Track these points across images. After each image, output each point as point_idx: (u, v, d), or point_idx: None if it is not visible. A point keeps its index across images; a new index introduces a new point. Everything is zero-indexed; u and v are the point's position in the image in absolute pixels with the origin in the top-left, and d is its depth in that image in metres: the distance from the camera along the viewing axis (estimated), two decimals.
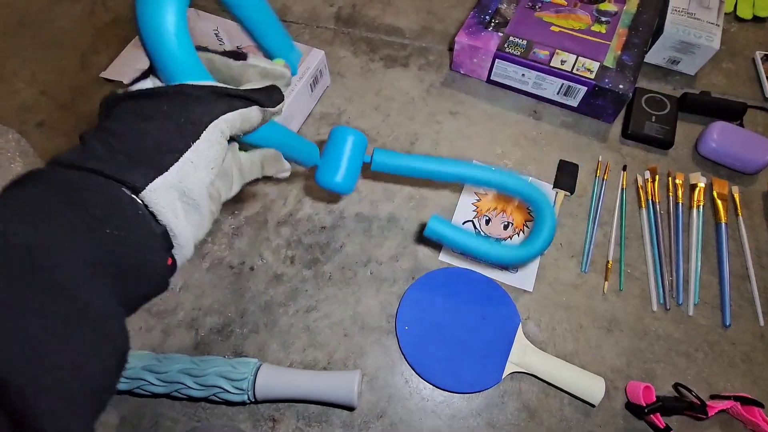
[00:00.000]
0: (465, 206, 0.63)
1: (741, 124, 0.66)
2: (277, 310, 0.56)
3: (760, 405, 0.45)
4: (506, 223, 0.61)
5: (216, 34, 0.70)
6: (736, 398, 0.46)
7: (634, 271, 0.57)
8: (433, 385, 0.51)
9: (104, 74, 0.67)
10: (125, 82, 0.65)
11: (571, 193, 0.62)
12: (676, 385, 0.49)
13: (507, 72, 0.69)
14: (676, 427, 0.48)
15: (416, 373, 0.52)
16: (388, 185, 0.64)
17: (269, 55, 0.41)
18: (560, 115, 0.70)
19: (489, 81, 0.73)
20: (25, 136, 0.61)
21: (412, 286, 0.56)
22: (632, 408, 0.48)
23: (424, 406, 0.50)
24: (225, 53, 0.34)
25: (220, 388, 0.47)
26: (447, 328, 0.53)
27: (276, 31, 0.40)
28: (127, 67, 0.68)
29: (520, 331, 0.53)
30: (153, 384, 0.48)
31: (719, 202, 0.60)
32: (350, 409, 0.50)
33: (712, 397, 0.49)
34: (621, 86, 0.63)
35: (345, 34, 0.80)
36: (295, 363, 0.53)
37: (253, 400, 0.48)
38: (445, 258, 0.59)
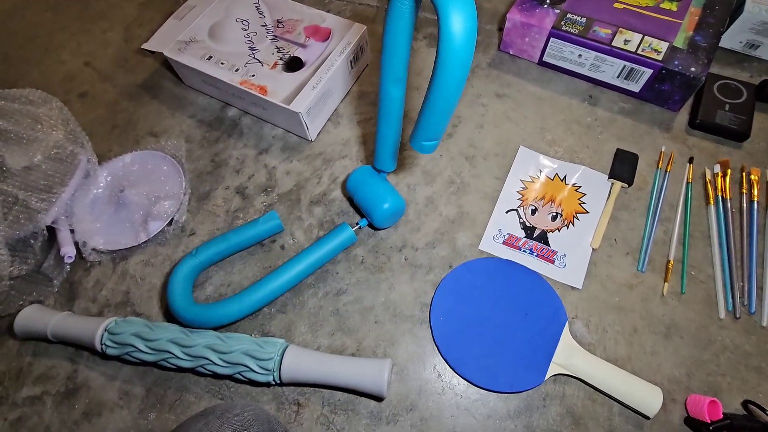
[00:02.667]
0: (509, 194, 0.58)
1: None
2: (306, 292, 0.54)
3: None
4: (554, 214, 0.57)
5: (257, 7, 0.69)
6: None
7: (699, 274, 0.51)
8: (468, 381, 0.48)
9: (146, 45, 0.67)
10: (165, 53, 0.65)
11: (630, 184, 0.57)
12: (745, 402, 0.44)
13: (562, 52, 0.64)
14: None
15: (450, 367, 0.48)
16: (427, 168, 0.61)
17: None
18: (619, 101, 0.64)
19: (541, 62, 0.68)
20: (67, 106, 0.62)
21: (450, 275, 0.53)
22: (693, 424, 0.43)
23: (458, 403, 0.47)
24: None
25: (246, 366, 0.46)
26: (485, 321, 0.50)
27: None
28: (167, 38, 0.67)
29: (566, 330, 0.48)
30: (179, 357, 0.47)
31: None
32: (379, 399, 0.47)
33: None
34: (692, 69, 0.57)
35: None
36: (323, 347, 0.51)
37: (278, 382, 0.46)
38: (486, 247, 0.55)
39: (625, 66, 0.60)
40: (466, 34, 0.32)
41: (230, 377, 0.47)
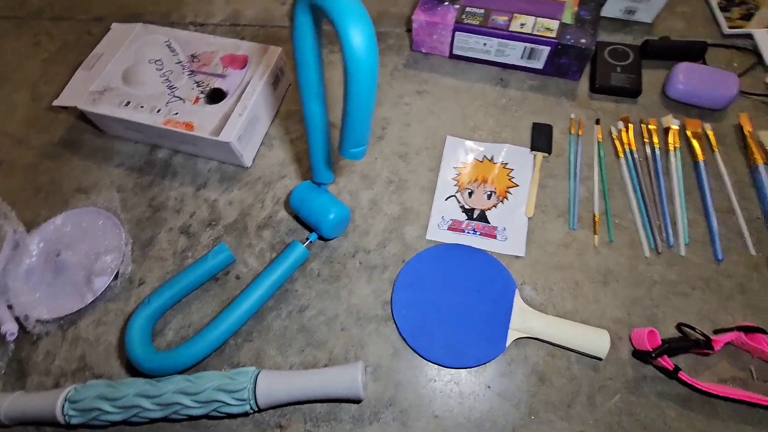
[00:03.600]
0: (445, 182, 0.61)
1: (704, 62, 0.67)
2: (268, 315, 0.54)
3: (763, 331, 0.45)
4: (489, 192, 0.60)
5: (168, 46, 0.68)
6: (739, 328, 0.46)
7: (622, 221, 0.57)
8: (439, 365, 0.50)
9: (57, 102, 0.65)
10: (79, 106, 0.63)
11: (549, 153, 0.62)
12: (679, 326, 0.49)
13: (468, 43, 0.68)
14: (685, 367, 0.48)
15: (420, 356, 0.51)
16: (365, 172, 0.63)
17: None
18: (527, 80, 0.70)
19: (452, 56, 0.72)
20: None
21: (403, 269, 0.55)
22: (639, 355, 0.48)
23: (433, 387, 0.49)
24: None
25: (220, 401, 0.46)
26: (444, 305, 0.52)
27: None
28: (78, 91, 0.65)
29: (517, 296, 0.52)
30: (149, 409, 0.46)
31: (694, 142, 0.60)
32: (357, 401, 0.49)
33: (716, 331, 0.49)
34: (583, 41, 0.63)
35: None
36: (295, 365, 0.51)
37: (257, 409, 0.46)
38: (433, 236, 0.58)
39: (525, 47, 0.66)
40: (366, 46, 0.34)
41: (207, 416, 0.47)
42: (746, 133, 0.60)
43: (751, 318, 0.50)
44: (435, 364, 0.50)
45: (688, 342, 0.46)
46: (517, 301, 0.51)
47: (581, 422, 0.46)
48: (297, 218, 0.60)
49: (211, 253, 0.55)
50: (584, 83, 0.69)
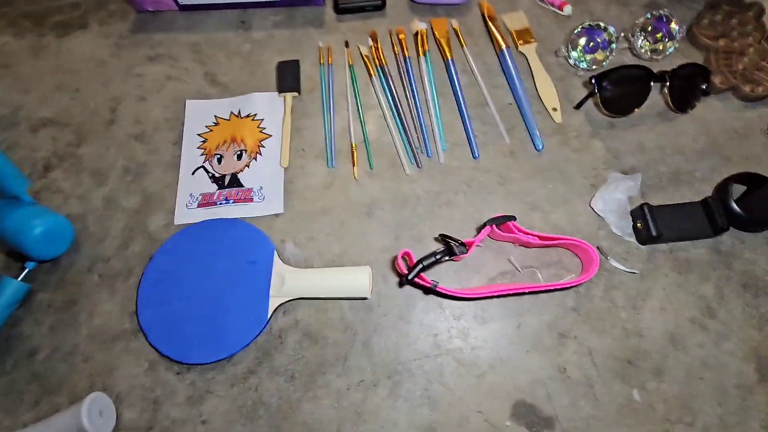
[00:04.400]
0: (191, 153, 0.52)
1: None
2: None
3: (512, 218, 0.44)
4: (239, 152, 0.53)
5: None
6: (490, 221, 0.44)
7: (381, 145, 0.52)
8: (202, 365, 0.43)
9: None
10: None
11: (299, 92, 0.55)
12: (440, 237, 0.46)
13: None
14: (458, 278, 0.45)
15: (179, 362, 0.43)
16: (95, 167, 0.52)
17: None
18: (270, 16, 0.61)
19: (182, 7, 0.62)
20: None
21: (146, 269, 0.46)
22: (403, 281, 0.44)
23: (200, 395, 0.42)
24: None
25: None
26: (199, 295, 0.44)
27: None
28: None
29: (275, 259, 0.45)
30: None
31: (442, 41, 0.56)
32: None
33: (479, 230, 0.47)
34: None
35: (1, 17, 0.63)
36: (30, 421, 0.42)
37: None
38: (182, 219, 0.49)
39: None
40: None
41: None
42: (488, 19, 0.57)
43: (512, 206, 0.48)
44: (197, 364, 0.43)
45: (440, 253, 0.43)
46: (276, 264, 0.45)
47: (360, 372, 0.42)
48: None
49: None
50: (330, 7, 0.62)
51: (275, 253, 0.46)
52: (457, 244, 0.42)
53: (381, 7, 0.59)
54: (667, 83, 0.48)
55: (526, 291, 0.42)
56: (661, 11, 0.52)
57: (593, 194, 0.47)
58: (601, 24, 0.53)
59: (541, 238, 0.44)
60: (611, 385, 0.40)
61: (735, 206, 0.43)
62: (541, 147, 0.49)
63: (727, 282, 0.43)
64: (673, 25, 0.52)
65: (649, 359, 0.41)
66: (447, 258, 0.42)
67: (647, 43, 0.52)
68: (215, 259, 0.46)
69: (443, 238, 0.44)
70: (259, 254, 0.46)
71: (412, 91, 0.54)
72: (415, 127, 0.52)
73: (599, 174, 0.48)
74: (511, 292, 0.41)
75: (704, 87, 0.49)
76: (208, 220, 0.48)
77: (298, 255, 0.47)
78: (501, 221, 0.43)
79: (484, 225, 0.43)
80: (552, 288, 0.42)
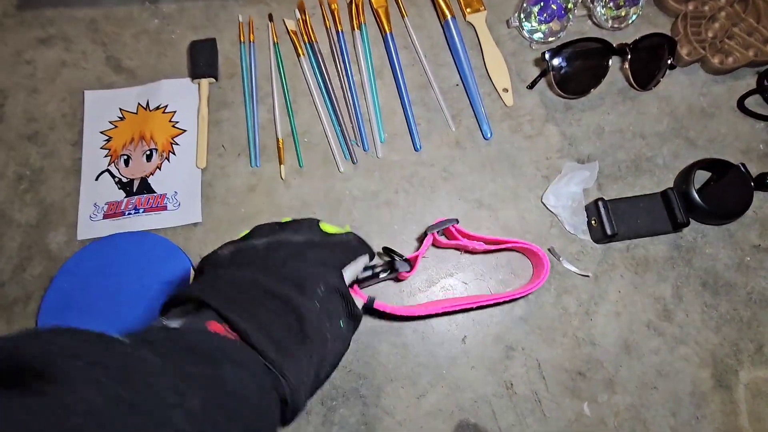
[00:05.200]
0: (93, 155, 0.45)
1: None
2: None
3: (455, 221, 0.39)
4: (149, 152, 0.46)
5: None
6: (431, 229, 0.39)
7: (313, 137, 0.46)
8: None
9: None
10: None
11: (216, 78, 0.48)
12: (384, 251, 0.41)
13: None
14: (410, 290, 0.41)
15: None
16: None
17: None
18: None
19: None
20: None
21: (47, 294, 0.41)
22: None
23: None
24: None
25: None
26: (107, 320, 0.39)
27: None
28: None
29: (192, 276, 0.41)
30: None
31: (380, 12, 0.49)
32: None
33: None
34: None
35: None
36: None
37: None
38: (86, 234, 0.43)
39: None
40: None
41: None
42: None
43: (458, 204, 0.43)
44: None
45: (380, 268, 0.38)
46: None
47: None
48: None
49: None
50: None
51: (192, 271, 0.41)
52: (400, 260, 0.37)
53: None
54: (628, 57, 0.43)
55: (473, 306, 0.38)
56: None
57: (546, 188, 0.43)
58: None
59: (487, 242, 0.40)
60: (560, 399, 0.38)
61: (696, 197, 0.39)
62: (489, 135, 0.44)
63: (686, 281, 0.40)
64: None
65: (602, 370, 0.38)
66: (388, 275, 0.37)
67: (609, 10, 0.46)
68: (125, 281, 0.40)
69: (387, 252, 0.39)
70: (174, 272, 0.41)
71: (347, 72, 0.47)
72: (350, 116, 0.46)
73: (553, 164, 0.44)
74: (455, 308, 0.37)
75: (669, 61, 0.44)
76: (114, 234, 0.42)
77: None
78: (443, 226, 0.38)
79: (425, 233, 0.39)
80: (500, 300, 0.38)
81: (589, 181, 0.42)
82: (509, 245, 0.40)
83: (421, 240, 0.41)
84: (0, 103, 0.48)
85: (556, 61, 0.42)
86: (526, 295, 0.39)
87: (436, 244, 0.41)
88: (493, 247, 0.40)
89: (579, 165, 0.42)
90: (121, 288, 0.41)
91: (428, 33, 0.49)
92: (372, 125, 0.45)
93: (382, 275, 0.37)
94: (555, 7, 0.46)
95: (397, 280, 0.40)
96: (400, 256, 0.38)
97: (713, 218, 0.40)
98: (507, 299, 0.38)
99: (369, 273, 0.36)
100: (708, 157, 0.42)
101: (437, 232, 0.38)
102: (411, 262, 0.38)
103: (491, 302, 0.38)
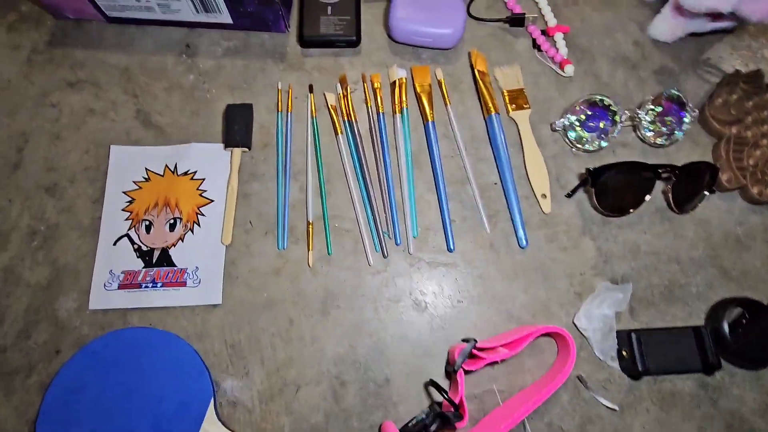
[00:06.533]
0: (113, 217, 0.43)
1: None
2: None
3: (473, 343, 0.37)
4: (172, 221, 0.45)
5: None
6: (458, 367, 0.36)
7: (344, 223, 0.45)
8: None
9: None
10: None
11: (248, 147, 0.46)
12: (430, 384, 0.39)
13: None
14: None
15: None
16: None
17: None
18: (221, 41, 0.51)
19: (111, 20, 0.51)
20: None
21: (59, 374, 0.38)
22: None
23: None
24: None
25: None
26: (114, 424, 0.37)
27: None
28: None
29: (210, 411, 0.38)
30: None
31: (423, 96, 0.48)
32: None
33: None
34: None
35: None
36: None
37: None
38: (98, 304, 0.41)
39: None
40: None
41: None
42: (477, 74, 0.49)
43: (488, 315, 0.42)
44: None
45: (430, 420, 0.35)
46: (208, 419, 0.37)
47: None
48: None
49: None
50: (295, 37, 0.51)
51: (212, 402, 0.38)
52: (453, 414, 0.36)
53: (355, 43, 0.50)
54: (672, 181, 0.43)
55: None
56: (676, 92, 0.45)
57: (577, 306, 0.42)
58: (606, 100, 0.45)
59: (510, 346, 0.39)
60: None
61: (729, 339, 0.39)
62: (525, 244, 0.43)
63: (710, 422, 0.39)
64: (687, 119, 0.46)
65: None
66: (437, 427, 0.36)
67: (655, 126, 0.46)
68: (142, 384, 0.38)
69: (434, 386, 0.38)
70: (193, 395, 0.38)
71: (384, 157, 0.46)
72: (384, 205, 0.45)
73: (586, 280, 0.43)
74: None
75: (710, 187, 0.43)
76: (146, 329, 0.40)
77: (236, 389, 0.39)
78: (465, 356, 0.37)
79: (453, 369, 0.37)
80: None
81: (622, 305, 0.41)
82: (532, 337, 0.39)
83: (448, 358, 0.40)
84: (20, 146, 0.46)
85: (599, 179, 0.42)
86: (559, 386, 0.38)
87: (466, 368, 0.39)
88: (519, 349, 0.39)
89: (613, 286, 0.42)
90: (135, 390, 0.38)
91: (470, 123, 0.48)
92: (406, 216, 0.44)
93: (432, 428, 0.36)
94: (602, 120, 0.46)
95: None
96: (445, 391, 0.36)
97: (745, 362, 0.40)
98: (540, 402, 0.37)
99: (418, 423, 0.35)
100: (742, 292, 0.42)
101: (463, 364, 0.37)
102: (461, 412, 0.36)
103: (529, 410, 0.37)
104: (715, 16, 0.44)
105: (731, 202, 0.46)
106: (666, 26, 0.49)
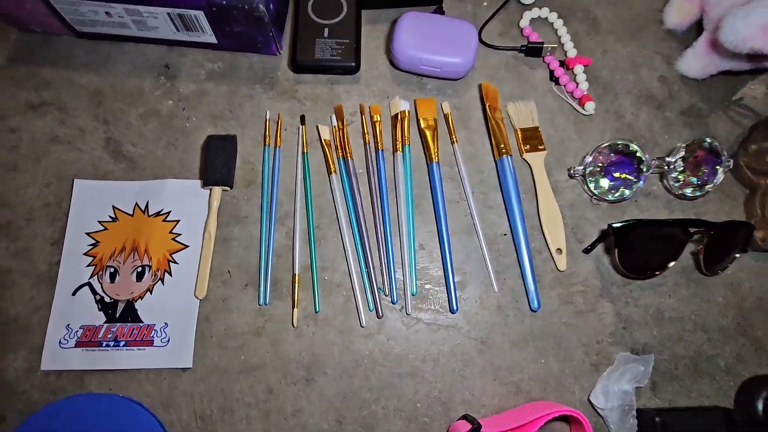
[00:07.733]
0: (74, 261, 0.38)
1: (440, 10, 0.49)
2: None
3: (477, 429, 0.33)
4: (140, 269, 0.40)
5: None
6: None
7: (334, 275, 0.40)
8: None
9: None
10: None
11: (230, 186, 0.41)
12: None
13: (80, 13, 0.41)
14: None
15: None
16: None
17: None
18: (204, 62, 0.46)
19: (82, 34, 0.45)
20: None
21: None
22: None
23: None
24: None
25: None
26: None
27: None
28: None
29: None
30: None
31: (427, 133, 0.43)
32: None
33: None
34: None
35: None
36: None
37: None
38: (51, 364, 0.36)
39: (170, 14, 0.41)
40: None
41: None
42: (488, 109, 0.44)
43: (492, 387, 0.37)
44: None
45: None
46: None
47: None
48: None
49: None
50: (287, 61, 0.46)
51: None
52: None
53: (353, 70, 0.45)
54: (704, 242, 0.38)
55: None
56: (713, 141, 0.40)
57: (593, 379, 0.37)
58: (631, 146, 0.41)
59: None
60: None
61: (764, 421, 0.35)
62: (537, 306, 0.39)
63: None
64: (720, 170, 0.41)
65: None
66: None
67: (685, 176, 0.42)
68: None
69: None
70: None
71: (382, 201, 0.41)
72: (380, 257, 0.40)
73: (604, 350, 0.38)
74: None
75: (744, 246, 0.39)
76: (105, 396, 0.35)
77: None
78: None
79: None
80: None
81: (643, 379, 0.37)
82: (544, 421, 0.35)
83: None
84: None
85: (623, 238, 0.37)
86: None
87: None
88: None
89: (633, 357, 0.37)
90: None
91: (478, 165, 0.43)
92: (405, 270, 0.39)
93: None
94: (626, 168, 0.41)
95: None
96: None
97: None
98: None
99: None
100: None
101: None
102: None
103: None
104: (757, 56, 0.40)
105: (764, 263, 0.42)
106: (697, 63, 0.44)
